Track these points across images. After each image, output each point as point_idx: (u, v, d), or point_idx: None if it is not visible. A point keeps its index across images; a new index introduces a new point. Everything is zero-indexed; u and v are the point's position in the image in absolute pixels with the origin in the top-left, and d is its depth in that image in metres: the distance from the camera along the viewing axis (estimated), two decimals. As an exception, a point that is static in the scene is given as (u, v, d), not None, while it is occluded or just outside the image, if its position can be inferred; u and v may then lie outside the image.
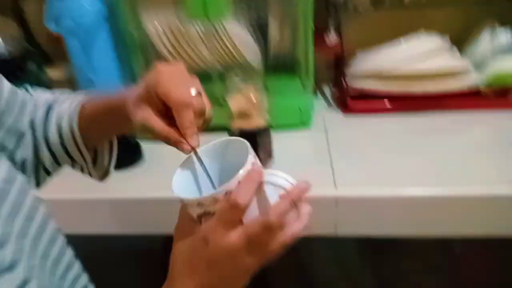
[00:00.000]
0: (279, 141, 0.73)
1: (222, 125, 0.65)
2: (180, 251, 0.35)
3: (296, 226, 0.32)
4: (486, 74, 0.84)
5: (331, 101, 0.94)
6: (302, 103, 0.80)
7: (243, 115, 0.63)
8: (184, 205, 0.35)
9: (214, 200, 0.31)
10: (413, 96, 0.82)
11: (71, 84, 0.91)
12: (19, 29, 0.97)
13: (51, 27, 0.80)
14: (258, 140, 0.63)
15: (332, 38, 0.89)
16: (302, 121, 0.81)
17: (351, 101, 0.86)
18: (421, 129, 0.79)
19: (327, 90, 0.99)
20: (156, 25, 0.77)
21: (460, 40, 0.90)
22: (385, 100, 0.84)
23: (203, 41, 0.77)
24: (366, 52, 0.89)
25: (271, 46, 0.84)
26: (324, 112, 0.89)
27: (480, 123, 0.79)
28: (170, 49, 0.79)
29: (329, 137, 0.78)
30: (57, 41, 0.86)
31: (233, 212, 0.30)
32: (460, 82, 0.82)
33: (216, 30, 0.76)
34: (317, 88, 0.99)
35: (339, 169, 0.67)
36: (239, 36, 0.78)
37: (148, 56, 0.81)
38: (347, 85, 0.87)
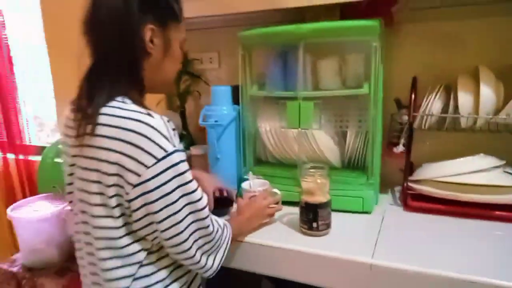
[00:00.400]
0: (343, 218, 0.98)
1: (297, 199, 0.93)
2: (244, 204, 0.96)
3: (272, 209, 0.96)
4: (541, 195, 0.95)
5: (397, 199, 1.14)
6: (365, 195, 1.03)
7: (309, 192, 0.90)
8: (247, 193, 0.96)
9: (256, 192, 0.90)
10: (464, 203, 0.97)
11: (204, 159, 1.31)
12: (181, 120, 1.46)
13: (200, 121, 1.21)
14: (318, 211, 0.88)
15: (400, 149, 1.11)
16: (364, 209, 1.03)
17: (410, 200, 1.05)
18: (466, 233, 0.92)
19: (396, 191, 1.19)
20: (266, 126, 1.13)
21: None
22: (439, 203, 1.01)
23: (296, 142, 1.09)
24: (430, 164, 1.09)
25: (347, 150, 1.11)
26: (387, 206, 1.09)
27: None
28: (273, 144, 1.13)
29: (383, 223, 0.98)
30: (202, 130, 1.29)
31: (263, 196, 0.91)
32: (510, 197, 0.95)
33: (307, 135, 1.07)
34: (388, 187, 1.21)
35: (382, 245, 0.86)
36: (323, 141, 1.08)
37: (256, 147, 1.16)
38: (409, 187, 1.07)
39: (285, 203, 1.04)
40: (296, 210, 0.96)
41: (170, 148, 0.64)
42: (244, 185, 1.06)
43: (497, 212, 0.96)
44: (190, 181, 0.68)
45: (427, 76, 1.14)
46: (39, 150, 2.08)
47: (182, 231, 0.68)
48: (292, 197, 1.05)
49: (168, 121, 0.67)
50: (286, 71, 1.09)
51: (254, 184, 1.05)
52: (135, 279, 0.71)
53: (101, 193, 0.67)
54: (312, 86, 1.09)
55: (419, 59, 1.18)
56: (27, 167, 2.09)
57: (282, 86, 1.09)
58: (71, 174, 0.75)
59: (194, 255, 0.72)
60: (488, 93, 0.97)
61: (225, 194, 1.09)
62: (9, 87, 2.03)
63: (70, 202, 0.80)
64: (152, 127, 0.63)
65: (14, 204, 1.56)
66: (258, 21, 1.12)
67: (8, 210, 1.48)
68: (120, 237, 0.69)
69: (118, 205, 0.67)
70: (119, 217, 0.68)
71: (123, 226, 0.69)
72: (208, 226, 0.72)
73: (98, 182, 0.67)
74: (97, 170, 0.66)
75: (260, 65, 1.16)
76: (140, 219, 0.67)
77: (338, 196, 1.04)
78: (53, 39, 1.88)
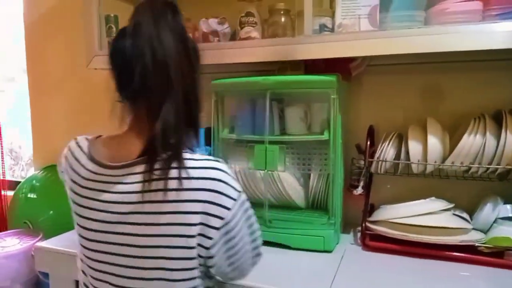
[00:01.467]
0: (304, 257, 1.04)
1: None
2: None
3: None
4: (486, 236, 1.03)
5: (357, 239, 1.20)
6: (326, 234, 1.09)
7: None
8: None
9: None
10: (418, 244, 1.05)
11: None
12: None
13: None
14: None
15: (359, 191, 1.19)
16: (325, 248, 1.09)
17: (368, 240, 1.12)
18: (419, 272, 0.98)
19: (357, 231, 1.25)
20: (235, 167, 1.20)
21: (468, 208, 1.14)
22: (395, 243, 1.08)
23: (263, 182, 1.16)
24: (386, 205, 1.17)
25: (311, 191, 1.18)
26: (347, 245, 1.16)
27: (476, 277, 0.96)
28: (241, 182, 1.18)
29: (342, 262, 1.04)
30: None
31: None
32: (458, 238, 1.03)
33: (273, 176, 1.14)
34: (350, 228, 1.28)
35: (338, 283, 0.91)
36: (288, 182, 1.15)
37: None
38: (367, 227, 1.14)
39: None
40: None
41: (238, 187, 0.71)
42: None
43: (446, 252, 1.03)
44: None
45: (383, 124, 1.25)
46: (13, 184, 2.08)
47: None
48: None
49: None
50: (255, 116, 1.17)
51: None
52: None
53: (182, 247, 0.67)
54: (280, 131, 1.18)
55: (376, 109, 1.30)
56: (-3, 201, 2.07)
57: (250, 130, 1.17)
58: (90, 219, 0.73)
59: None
60: (434, 143, 1.08)
61: None
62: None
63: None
64: (225, 171, 0.70)
65: (-18, 240, 1.54)
66: (232, 69, 1.22)
67: (-25, 246, 1.47)
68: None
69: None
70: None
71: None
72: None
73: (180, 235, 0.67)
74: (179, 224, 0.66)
75: (231, 110, 1.25)
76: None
77: (300, 235, 1.10)
78: (35, 73, 1.94)
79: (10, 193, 1.98)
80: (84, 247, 0.75)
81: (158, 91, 0.67)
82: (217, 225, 0.67)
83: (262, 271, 0.98)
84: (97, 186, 0.72)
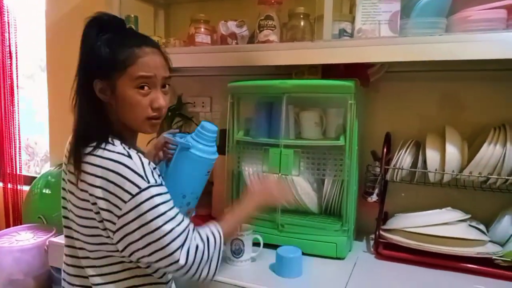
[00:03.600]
0: (316, 263, 1.03)
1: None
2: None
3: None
4: (503, 249, 1.01)
5: (370, 247, 1.19)
6: (339, 241, 1.08)
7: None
8: None
9: None
10: (433, 254, 1.03)
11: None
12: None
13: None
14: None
15: (374, 199, 1.18)
16: (337, 255, 1.08)
17: (381, 248, 1.10)
18: (433, 283, 0.97)
19: (371, 239, 1.24)
20: (249, 170, 1.20)
21: (485, 220, 1.11)
22: (408, 253, 1.06)
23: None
24: (401, 214, 1.15)
25: (324, 197, 1.17)
26: (360, 253, 1.14)
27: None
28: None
29: (354, 270, 1.02)
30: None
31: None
32: (474, 250, 1.01)
33: (286, 181, 1.14)
34: (364, 235, 1.26)
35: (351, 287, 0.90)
36: (301, 187, 1.15)
37: (239, 185, 1.24)
38: (381, 236, 1.12)
39: (264, 245, 1.08)
40: (274, 253, 1.01)
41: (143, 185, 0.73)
42: None
43: (462, 264, 1.01)
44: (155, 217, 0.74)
45: (399, 131, 1.24)
46: (28, 179, 2.11)
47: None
48: (270, 239, 1.10)
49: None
50: (271, 119, 1.17)
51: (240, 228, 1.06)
52: None
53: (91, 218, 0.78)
54: (295, 135, 1.17)
55: (393, 115, 1.28)
56: (13, 196, 2.11)
57: (265, 133, 1.17)
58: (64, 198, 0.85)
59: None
60: (453, 152, 1.06)
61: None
62: (8, 117, 2.09)
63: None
64: (128, 166, 0.74)
65: (-2, 233, 1.57)
66: (249, 72, 1.22)
67: (-9, 238, 1.50)
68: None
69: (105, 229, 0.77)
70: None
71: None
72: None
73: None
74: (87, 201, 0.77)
75: (247, 112, 1.25)
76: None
77: (313, 241, 1.09)
78: (54, 71, 1.98)
79: (26, 188, 2.01)
80: None
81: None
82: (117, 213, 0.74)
83: (273, 275, 0.98)
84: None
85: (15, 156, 2.11)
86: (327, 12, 1.03)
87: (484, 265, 1.00)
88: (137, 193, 0.72)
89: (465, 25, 0.97)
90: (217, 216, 1.34)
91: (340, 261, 1.08)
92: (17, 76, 2.07)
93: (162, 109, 0.83)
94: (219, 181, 1.33)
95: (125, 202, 0.72)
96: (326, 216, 1.17)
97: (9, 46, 2.03)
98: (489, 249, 1.01)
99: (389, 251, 1.09)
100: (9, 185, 2.11)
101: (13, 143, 2.11)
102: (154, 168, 0.78)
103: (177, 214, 0.76)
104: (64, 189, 0.85)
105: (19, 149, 2.13)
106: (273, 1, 1.13)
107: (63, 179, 0.86)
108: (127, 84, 0.79)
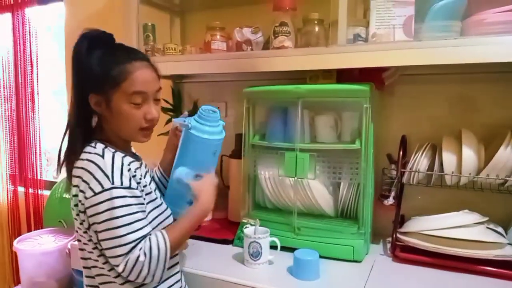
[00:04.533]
0: (333, 266, 1.04)
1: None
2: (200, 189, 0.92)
3: None
4: (522, 252, 1.01)
5: (387, 249, 1.19)
6: (356, 244, 1.09)
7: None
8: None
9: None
10: (450, 257, 1.03)
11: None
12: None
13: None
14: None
15: (390, 202, 1.18)
16: (354, 258, 1.08)
17: (399, 251, 1.11)
18: (451, 286, 0.97)
19: (387, 242, 1.24)
20: (265, 173, 1.22)
21: (503, 222, 1.11)
22: (426, 256, 1.06)
23: (292, 189, 1.17)
24: (418, 217, 1.15)
25: (340, 200, 1.18)
26: (377, 256, 1.15)
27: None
28: (270, 190, 1.21)
29: (372, 273, 1.03)
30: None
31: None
32: (492, 252, 1.00)
33: (302, 184, 1.15)
34: (380, 238, 1.27)
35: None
36: (317, 190, 1.16)
37: (255, 188, 1.26)
38: (398, 238, 1.13)
39: (281, 248, 1.09)
40: (290, 255, 1.03)
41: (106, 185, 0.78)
42: (247, 231, 1.09)
43: (480, 267, 1.01)
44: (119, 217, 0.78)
45: (415, 134, 1.24)
46: (48, 184, 2.17)
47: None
48: (287, 242, 1.12)
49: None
50: (286, 124, 1.19)
51: (257, 231, 1.09)
52: None
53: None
54: (310, 139, 1.19)
55: (408, 118, 1.28)
56: (34, 200, 2.17)
57: (281, 137, 1.19)
58: None
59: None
60: (469, 154, 1.06)
61: None
62: (28, 124, 2.16)
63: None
64: (97, 165, 0.80)
65: (20, 237, 1.62)
66: (263, 77, 1.24)
67: (15, 242, 1.54)
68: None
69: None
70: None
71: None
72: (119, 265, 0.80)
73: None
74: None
75: (262, 117, 1.27)
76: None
77: (330, 244, 1.10)
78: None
79: (46, 192, 2.07)
80: None
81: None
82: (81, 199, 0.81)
83: (291, 278, 0.99)
84: None
85: (35, 162, 2.17)
86: (342, 17, 1.04)
87: (503, 268, 0.99)
88: (99, 192, 0.78)
89: (480, 28, 0.98)
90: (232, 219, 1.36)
91: (357, 264, 1.08)
92: (37, 84, 2.13)
93: (154, 120, 0.88)
94: (235, 184, 1.35)
95: (86, 198, 0.79)
96: (342, 219, 1.18)
97: (30, 54, 2.10)
98: (507, 252, 1.01)
99: (406, 253, 1.10)
100: (30, 190, 2.17)
101: (34, 149, 2.18)
102: (131, 170, 0.83)
103: (135, 221, 0.79)
104: None
105: (40, 154, 2.19)
106: (287, 8, 1.15)
107: None
108: (121, 99, 0.83)
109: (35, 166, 2.18)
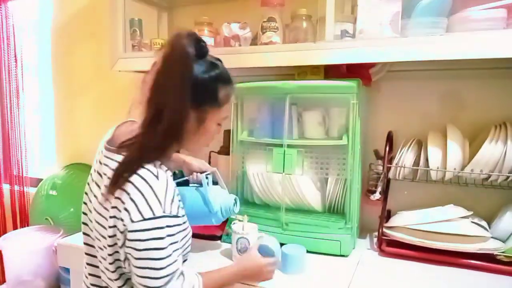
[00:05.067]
0: (320, 260, 1.05)
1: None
2: (245, 258, 0.94)
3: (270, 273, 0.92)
4: (505, 245, 1.03)
5: (374, 244, 1.20)
6: (343, 239, 1.10)
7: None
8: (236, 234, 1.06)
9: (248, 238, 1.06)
10: (435, 250, 1.04)
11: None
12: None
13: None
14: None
15: (376, 197, 1.19)
16: (341, 252, 1.09)
17: (385, 245, 1.12)
18: (436, 279, 0.98)
19: (374, 236, 1.25)
20: (253, 169, 1.22)
21: (487, 216, 1.13)
22: (412, 250, 1.08)
23: (280, 185, 1.17)
24: (404, 212, 1.17)
25: (328, 196, 1.19)
26: (364, 250, 1.16)
27: (494, 286, 0.95)
28: (259, 186, 1.21)
29: (358, 267, 1.04)
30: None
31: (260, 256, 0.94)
32: (476, 246, 1.02)
33: (290, 180, 1.15)
34: (367, 233, 1.28)
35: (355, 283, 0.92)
36: (305, 186, 1.16)
37: (243, 184, 1.26)
38: (384, 233, 1.14)
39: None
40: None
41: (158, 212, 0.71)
42: (235, 227, 1.08)
43: (464, 260, 1.03)
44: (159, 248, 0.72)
45: (402, 130, 1.25)
46: (34, 181, 2.14)
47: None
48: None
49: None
50: (274, 120, 1.19)
51: (245, 226, 1.08)
52: None
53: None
54: (298, 135, 1.19)
55: (395, 114, 1.30)
56: (20, 198, 2.13)
57: (269, 133, 1.19)
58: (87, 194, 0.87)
59: None
60: (454, 150, 1.07)
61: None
62: (13, 120, 2.12)
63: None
64: (150, 185, 0.72)
65: (5, 235, 1.59)
66: (252, 73, 1.24)
67: (0, 240, 1.52)
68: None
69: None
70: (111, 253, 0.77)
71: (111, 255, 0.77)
72: None
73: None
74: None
75: (251, 113, 1.27)
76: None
77: (317, 239, 1.11)
78: (60, 74, 2.00)
79: (32, 189, 2.04)
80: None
81: (150, 113, 0.76)
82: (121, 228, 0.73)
83: (276, 272, 1.00)
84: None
85: (21, 159, 2.14)
86: (329, 13, 1.04)
87: (486, 261, 1.01)
88: (148, 218, 0.70)
89: (465, 25, 0.99)
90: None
91: (344, 259, 1.09)
92: (22, 79, 2.09)
93: None
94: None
95: (132, 220, 0.71)
96: (329, 214, 1.19)
97: (14, 49, 2.05)
98: (491, 245, 1.03)
99: (392, 248, 1.11)
100: (16, 187, 2.13)
101: (19, 146, 2.14)
102: (178, 195, 0.78)
103: (174, 251, 0.74)
104: (89, 184, 0.86)
105: (25, 151, 2.15)
106: (275, 3, 1.15)
107: (92, 175, 0.86)
108: (213, 119, 0.83)
109: (20, 163, 2.14)
